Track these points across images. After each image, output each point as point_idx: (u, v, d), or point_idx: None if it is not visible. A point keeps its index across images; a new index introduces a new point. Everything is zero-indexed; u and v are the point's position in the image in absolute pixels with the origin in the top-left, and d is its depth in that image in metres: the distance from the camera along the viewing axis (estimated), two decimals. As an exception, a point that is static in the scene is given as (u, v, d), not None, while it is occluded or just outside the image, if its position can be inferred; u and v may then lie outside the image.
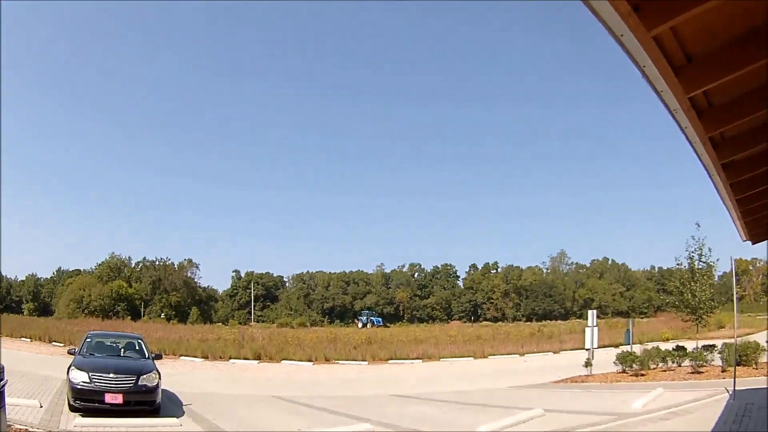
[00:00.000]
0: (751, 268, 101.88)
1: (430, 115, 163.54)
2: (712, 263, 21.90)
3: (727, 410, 12.41)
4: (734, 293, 15.21)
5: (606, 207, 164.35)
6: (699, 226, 22.27)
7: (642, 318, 78.38)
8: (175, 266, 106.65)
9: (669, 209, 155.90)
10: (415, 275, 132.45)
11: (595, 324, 21.45)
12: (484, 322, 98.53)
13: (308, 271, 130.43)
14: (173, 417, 12.77)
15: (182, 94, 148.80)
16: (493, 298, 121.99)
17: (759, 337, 22.56)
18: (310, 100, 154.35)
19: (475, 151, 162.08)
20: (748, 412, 11.91)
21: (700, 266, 21.81)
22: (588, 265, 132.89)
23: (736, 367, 18.17)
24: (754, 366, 19.00)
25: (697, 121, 4.87)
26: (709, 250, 21.59)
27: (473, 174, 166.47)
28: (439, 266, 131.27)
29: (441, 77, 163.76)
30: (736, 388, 14.29)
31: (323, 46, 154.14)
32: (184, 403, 14.47)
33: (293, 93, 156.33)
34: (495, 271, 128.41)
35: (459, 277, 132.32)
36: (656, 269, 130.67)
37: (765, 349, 19.13)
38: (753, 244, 10.85)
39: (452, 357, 32.32)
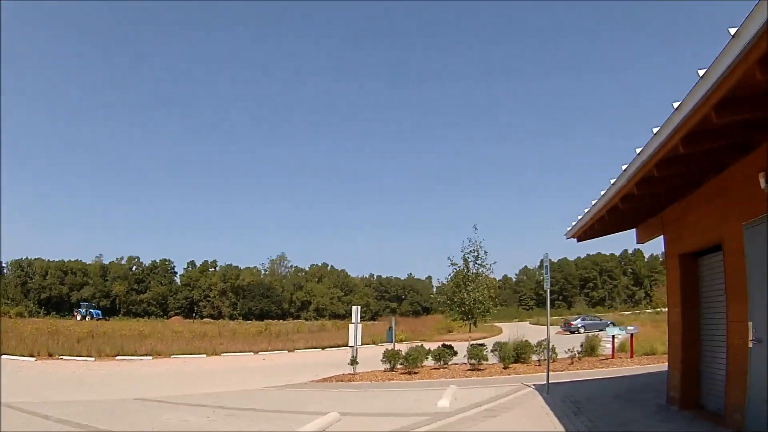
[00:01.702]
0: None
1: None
2: (487, 265, 21.44)
3: (552, 404, 10.93)
4: (547, 291, 13.68)
5: (332, 218, 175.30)
6: (477, 229, 21.78)
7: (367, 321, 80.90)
8: None
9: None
10: (133, 268, 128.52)
11: (359, 321, 19.89)
12: (206, 319, 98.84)
13: (27, 258, 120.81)
14: None
15: None
16: (210, 296, 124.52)
17: (491, 341, 23.04)
18: None
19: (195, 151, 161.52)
20: (578, 404, 10.64)
21: (475, 269, 21.11)
22: (307, 269, 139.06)
23: (514, 364, 18.73)
24: (527, 363, 19.20)
25: None
26: (485, 252, 21.18)
27: (195, 174, 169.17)
28: (158, 261, 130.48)
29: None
30: (528, 383, 14.03)
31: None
32: None
33: None
34: (213, 269, 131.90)
35: (177, 273, 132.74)
36: (375, 276, 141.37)
37: (536, 350, 19.45)
38: (578, 241, 12.89)
39: (183, 354, 29.87)
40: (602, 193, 9.12)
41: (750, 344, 6.95)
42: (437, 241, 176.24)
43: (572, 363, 18.55)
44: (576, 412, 9.73)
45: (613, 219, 10.34)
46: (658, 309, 62.74)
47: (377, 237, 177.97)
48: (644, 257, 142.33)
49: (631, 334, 20.57)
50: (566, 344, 21.18)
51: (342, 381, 17.18)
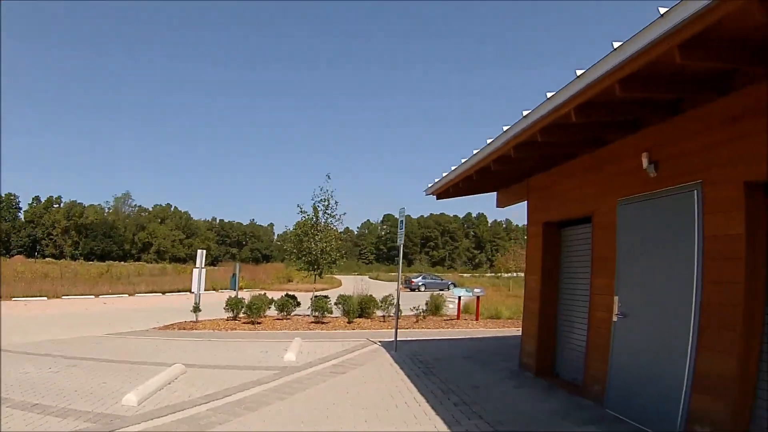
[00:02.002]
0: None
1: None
2: (337, 215, 20.94)
3: (401, 362, 10.74)
4: (400, 247, 13.48)
5: (176, 158, 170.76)
6: (329, 177, 21.42)
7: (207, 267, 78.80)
8: None
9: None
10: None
11: (203, 266, 18.74)
12: (48, 259, 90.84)
13: None
14: None
15: None
16: (53, 235, 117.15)
17: (332, 293, 22.70)
18: None
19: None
20: (427, 364, 10.54)
21: (324, 219, 20.61)
22: (150, 209, 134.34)
23: (358, 319, 18.57)
24: (372, 318, 19.11)
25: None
26: (336, 203, 20.67)
27: (45, 104, 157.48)
28: (2, 195, 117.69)
29: None
30: (374, 340, 13.97)
31: None
32: None
33: None
34: (58, 205, 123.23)
35: (21, 209, 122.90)
36: (217, 221, 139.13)
37: (381, 305, 19.23)
38: (438, 198, 12.88)
39: (25, 297, 27.50)
40: (475, 152, 8.79)
41: (615, 318, 7.00)
42: (281, 188, 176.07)
43: (417, 321, 18.71)
44: (426, 372, 9.58)
45: (481, 180, 10.12)
46: (499, 274, 66.43)
47: (220, 180, 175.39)
48: (487, 222, 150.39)
49: (478, 297, 21.11)
50: (408, 302, 21.33)
51: (185, 329, 16.00)
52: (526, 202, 10.96)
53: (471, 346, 13.36)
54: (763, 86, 4.82)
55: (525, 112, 6.72)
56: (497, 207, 13.19)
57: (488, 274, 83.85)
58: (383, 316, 18.99)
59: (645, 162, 6.54)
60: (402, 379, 9.07)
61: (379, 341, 13.62)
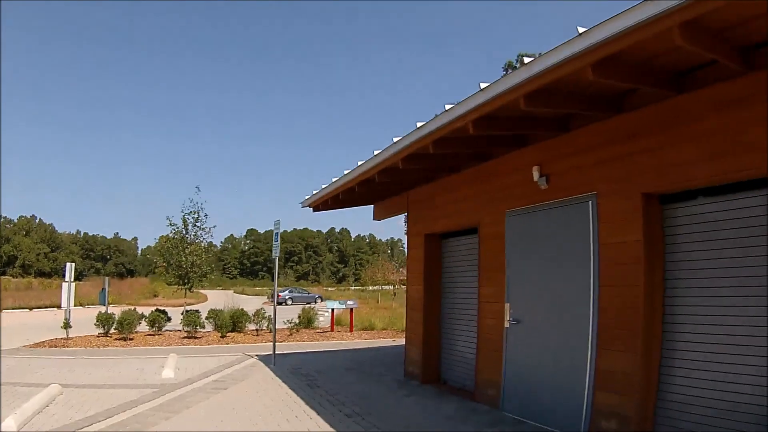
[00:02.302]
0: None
1: None
2: (207, 228, 20.43)
3: (283, 376, 10.44)
4: (276, 255, 13.31)
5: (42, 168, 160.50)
6: (199, 190, 21.17)
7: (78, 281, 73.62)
8: None
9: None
10: None
11: (72, 280, 17.56)
12: None
13: None
14: None
15: None
16: None
17: (199, 308, 21.57)
18: None
19: None
20: (309, 377, 10.36)
21: (194, 231, 20.05)
22: (15, 221, 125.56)
23: (231, 333, 17.89)
24: (245, 333, 18.48)
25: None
26: (206, 215, 20.28)
27: None
28: None
29: None
30: (249, 354, 13.67)
31: None
32: None
33: None
34: None
35: None
36: (81, 234, 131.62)
37: (253, 319, 18.70)
38: (314, 211, 12.84)
39: None
40: (360, 163, 8.77)
41: (507, 324, 7.23)
42: (146, 201, 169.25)
43: (291, 334, 18.39)
44: (311, 385, 9.32)
45: (362, 192, 10.15)
46: (365, 287, 66.88)
47: (84, 193, 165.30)
48: (350, 237, 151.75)
49: (351, 309, 21.10)
50: (279, 315, 20.51)
51: (56, 346, 14.69)
52: (405, 214, 11.12)
53: (351, 357, 13.26)
54: (660, 106, 5.21)
55: (419, 124, 6.76)
56: (374, 219, 13.31)
57: (353, 288, 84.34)
58: (256, 330, 18.48)
59: (536, 175, 6.83)
60: (287, 392, 8.75)
61: (256, 355, 13.19)
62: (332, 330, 20.16)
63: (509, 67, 43.34)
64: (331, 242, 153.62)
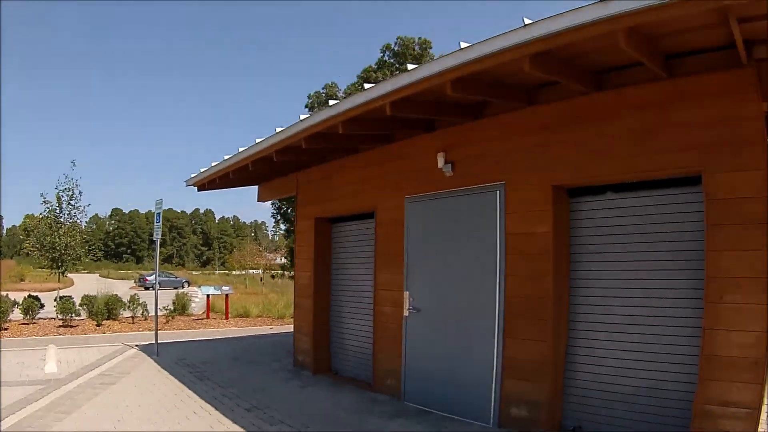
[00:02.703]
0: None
1: None
2: (81, 207, 18.62)
3: (170, 368, 9.86)
4: (157, 237, 12.42)
5: None
6: (75, 164, 18.85)
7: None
8: None
9: None
10: None
11: None
12: None
13: None
14: None
15: None
16: None
17: (69, 293, 20.29)
18: None
19: None
20: (196, 368, 9.90)
21: (68, 211, 18.26)
22: None
23: (107, 321, 16.59)
24: (120, 320, 17.21)
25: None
26: (80, 193, 18.35)
27: None
28: None
29: None
30: (129, 344, 12.78)
31: None
32: None
33: None
34: None
35: None
36: None
37: (128, 306, 17.43)
38: (199, 190, 12.14)
39: None
40: (258, 140, 8.37)
41: (407, 312, 7.18)
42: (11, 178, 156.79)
43: (167, 322, 17.47)
44: (200, 378, 8.82)
45: (255, 171, 9.66)
46: (231, 272, 65.30)
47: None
48: (215, 219, 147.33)
49: (226, 295, 20.38)
50: (151, 301, 19.65)
51: None
52: (294, 195, 10.72)
53: (234, 346, 12.79)
54: (576, 101, 5.37)
55: (332, 102, 6.56)
56: (259, 201, 12.77)
57: (218, 272, 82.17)
58: (131, 317, 17.31)
59: (441, 162, 6.78)
60: (178, 386, 8.22)
61: (136, 345, 12.37)
62: (208, 317, 19.34)
63: (387, 50, 43.84)
64: (196, 224, 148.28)
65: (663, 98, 4.79)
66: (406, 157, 7.61)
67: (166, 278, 49.08)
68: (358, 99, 6.04)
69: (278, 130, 7.79)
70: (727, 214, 4.42)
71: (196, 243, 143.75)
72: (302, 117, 7.18)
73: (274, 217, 54.28)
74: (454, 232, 6.73)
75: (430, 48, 43.31)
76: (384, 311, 7.75)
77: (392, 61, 42.72)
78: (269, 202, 46.90)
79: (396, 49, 43.24)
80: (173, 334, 15.00)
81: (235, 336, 14.99)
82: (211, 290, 20.88)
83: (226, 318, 19.41)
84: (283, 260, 53.28)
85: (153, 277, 47.91)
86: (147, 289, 42.64)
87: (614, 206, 5.36)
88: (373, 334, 7.99)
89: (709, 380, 4.39)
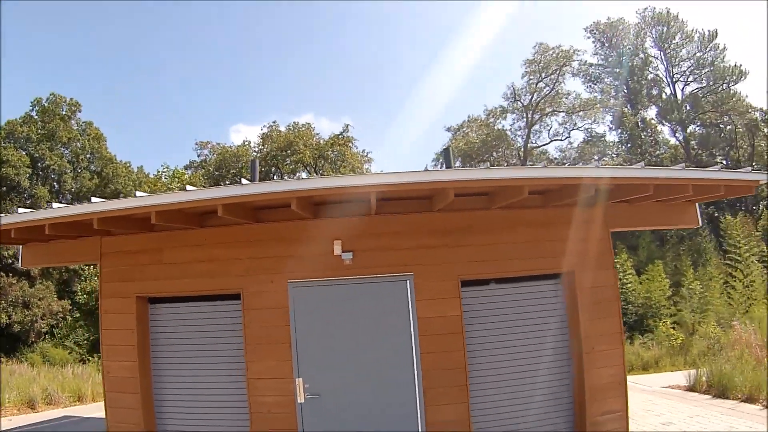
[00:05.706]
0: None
1: None
2: None
3: None
4: None
5: None
6: None
7: None
8: None
9: None
10: None
11: None
12: None
13: None
14: None
15: None
16: None
17: None
18: None
19: None
20: None
21: None
22: None
23: None
24: None
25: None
26: None
27: None
28: None
29: None
30: None
31: None
32: None
33: None
34: None
35: None
36: None
37: None
38: None
39: None
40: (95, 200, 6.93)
41: (302, 399, 7.20)
42: None
43: None
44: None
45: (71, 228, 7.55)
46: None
47: None
48: None
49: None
50: None
51: None
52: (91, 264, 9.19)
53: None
54: (479, 212, 7.43)
55: (244, 182, 6.68)
56: (22, 266, 10.57)
57: None
58: None
59: (338, 249, 7.17)
60: None
61: None
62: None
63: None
64: None
65: (549, 219, 7.26)
66: (287, 241, 7.54)
67: None
68: (267, 188, 6.51)
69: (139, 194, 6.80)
70: (592, 297, 6.81)
71: None
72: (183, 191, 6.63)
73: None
74: (362, 317, 7.22)
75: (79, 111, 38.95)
76: (264, 401, 7.40)
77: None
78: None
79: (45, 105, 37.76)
80: None
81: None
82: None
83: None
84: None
85: None
86: None
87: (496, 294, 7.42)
88: (250, 426, 7.44)
89: (593, 401, 6.83)
